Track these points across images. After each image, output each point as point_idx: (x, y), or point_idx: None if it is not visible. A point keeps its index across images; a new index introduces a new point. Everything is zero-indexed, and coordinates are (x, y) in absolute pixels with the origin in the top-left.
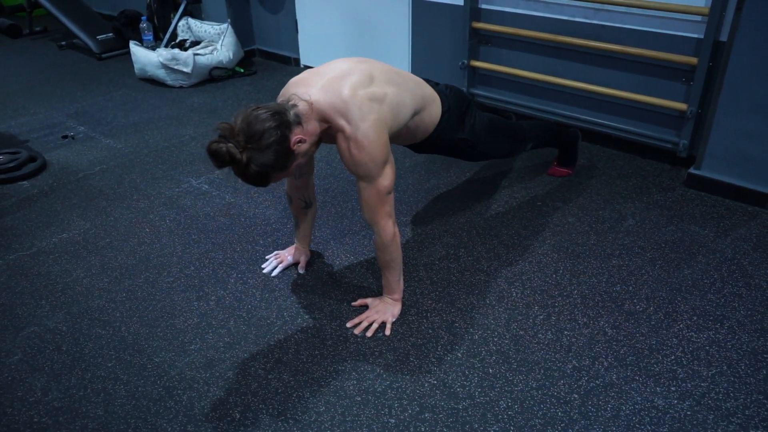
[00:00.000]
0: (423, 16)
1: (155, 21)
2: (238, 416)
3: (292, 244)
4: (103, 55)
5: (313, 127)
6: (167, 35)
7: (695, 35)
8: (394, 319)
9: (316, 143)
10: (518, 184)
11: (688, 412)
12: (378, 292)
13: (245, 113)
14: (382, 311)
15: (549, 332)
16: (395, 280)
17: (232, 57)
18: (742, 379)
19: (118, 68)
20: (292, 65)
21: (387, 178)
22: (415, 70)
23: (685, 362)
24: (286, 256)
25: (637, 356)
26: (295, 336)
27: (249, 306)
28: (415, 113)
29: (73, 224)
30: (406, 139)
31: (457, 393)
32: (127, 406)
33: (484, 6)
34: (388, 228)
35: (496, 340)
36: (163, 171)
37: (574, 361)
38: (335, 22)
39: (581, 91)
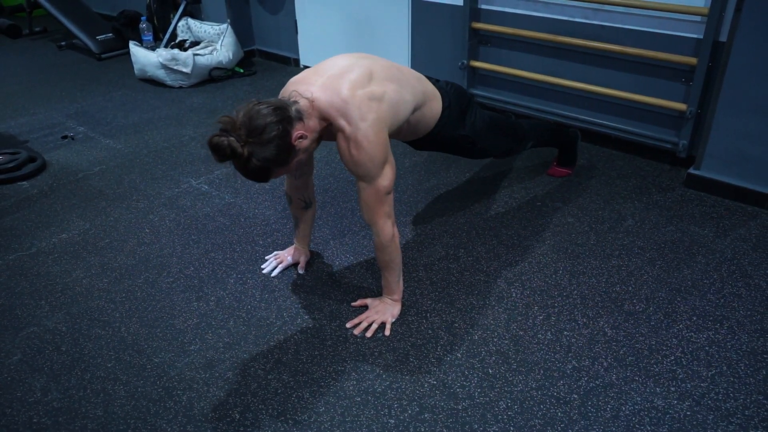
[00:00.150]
0: (423, 16)
1: (155, 21)
2: (237, 417)
3: (292, 244)
4: (103, 56)
5: (314, 123)
6: (167, 35)
7: (695, 35)
8: (393, 320)
9: (317, 140)
10: (518, 184)
11: (688, 413)
12: (378, 293)
13: (247, 108)
14: (382, 311)
15: (548, 332)
16: (395, 280)
17: (231, 57)
18: (741, 379)
19: (118, 68)
20: (292, 65)
21: (386, 178)
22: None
23: (684, 362)
24: (286, 256)
25: (637, 356)
26: (295, 336)
27: (248, 306)
28: (416, 108)
29: (72, 224)
30: (407, 135)
31: (456, 393)
32: (127, 407)
33: (483, 6)
34: (387, 228)
35: (495, 340)
36: (162, 171)
37: (573, 362)
38: (335, 22)
39: (581, 91)
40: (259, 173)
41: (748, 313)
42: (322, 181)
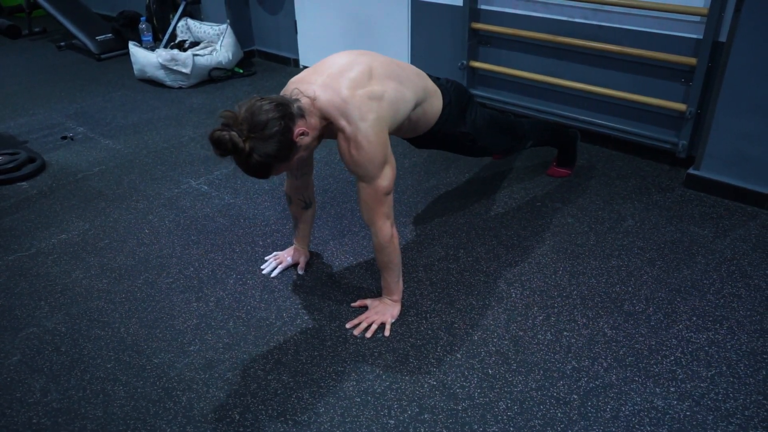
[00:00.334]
0: (422, 16)
1: (154, 22)
2: (237, 417)
3: (291, 245)
4: (103, 56)
5: (315, 121)
6: (166, 36)
7: (694, 36)
8: (393, 320)
9: (318, 138)
10: (517, 184)
11: (688, 413)
12: (377, 293)
13: (249, 103)
14: (382, 312)
15: (548, 333)
16: (394, 281)
17: (231, 58)
18: (741, 379)
19: (118, 69)
20: (292, 66)
21: (386, 179)
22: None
23: (684, 363)
24: (286, 257)
25: (637, 357)
26: (295, 337)
27: (248, 307)
28: (417, 105)
29: (72, 225)
30: (408, 132)
31: (456, 394)
32: (126, 407)
33: (483, 7)
34: (386, 229)
35: (495, 341)
36: (162, 172)
37: (573, 362)
38: (334, 23)
39: (581, 91)
40: (260, 169)
41: (748, 313)
42: (322, 181)
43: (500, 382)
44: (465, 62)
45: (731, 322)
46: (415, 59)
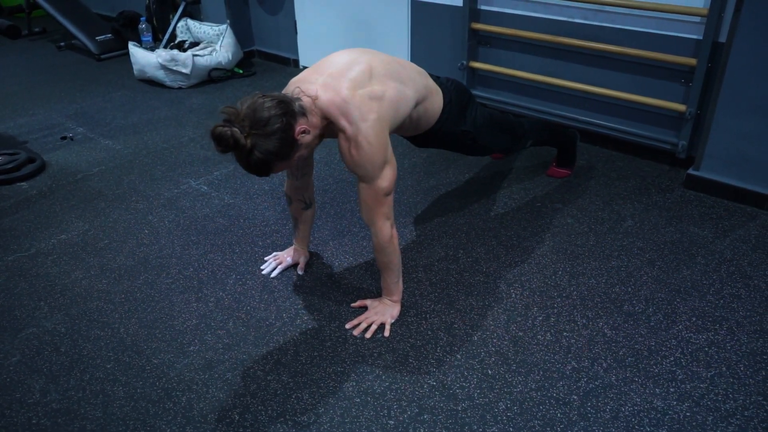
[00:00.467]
0: (422, 17)
1: (154, 22)
2: (237, 418)
3: (291, 245)
4: (102, 56)
5: (316, 120)
6: (166, 36)
7: (694, 36)
8: (393, 321)
9: (319, 137)
10: (517, 185)
11: (687, 414)
12: (377, 294)
13: (251, 100)
14: (381, 312)
15: (548, 333)
16: (394, 281)
17: (231, 58)
18: (741, 380)
19: (117, 69)
20: (291, 66)
21: (386, 179)
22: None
23: (684, 363)
24: (285, 257)
25: (636, 357)
26: (294, 337)
27: (248, 307)
28: (418, 103)
29: (71, 225)
30: (409, 130)
31: (456, 394)
32: (126, 408)
33: (483, 7)
34: (385, 229)
35: (495, 341)
36: (162, 172)
37: (573, 363)
38: (334, 23)
39: (580, 92)
40: (260, 166)
41: (748, 313)
42: (322, 181)
43: (500, 383)
44: (465, 62)
45: (731, 322)
46: (415, 59)
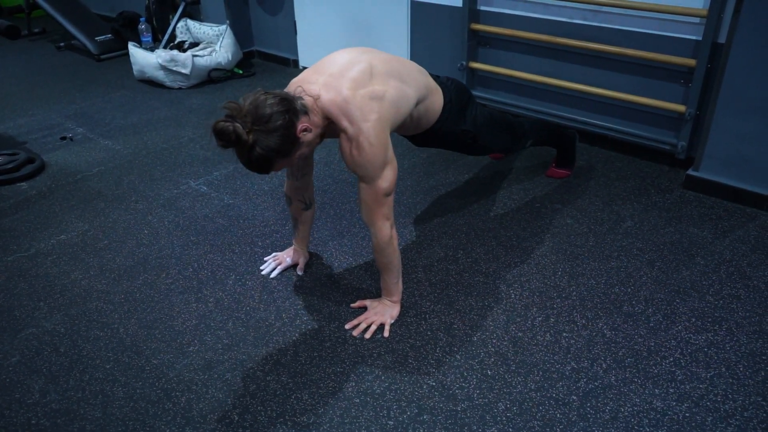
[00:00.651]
0: (422, 17)
1: (154, 22)
2: (236, 418)
3: (291, 245)
4: (102, 57)
5: (317, 120)
6: (166, 36)
7: (693, 37)
8: (392, 321)
9: (320, 136)
10: (517, 185)
11: (687, 414)
12: (376, 294)
13: (254, 96)
14: (381, 313)
15: (547, 334)
16: (393, 282)
17: (230, 58)
18: (740, 380)
19: (117, 69)
20: (291, 67)
21: (386, 180)
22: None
23: (683, 364)
24: (285, 257)
25: (636, 358)
26: (294, 338)
27: (248, 308)
28: (419, 102)
29: (71, 226)
30: (410, 129)
31: (455, 395)
32: (125, 408)
33: (482, 8)
34: (385, 230)
35: (494, 341)
36: (161, 172)
37: (572, 363)
38: (334, 23)
39: (580, 92)
40: (261, 163)
41: (747, 314)
42: (321, 182)
43: (499, 383)
44: (464, 63)
45: (730, 323)
46: (415, 60)
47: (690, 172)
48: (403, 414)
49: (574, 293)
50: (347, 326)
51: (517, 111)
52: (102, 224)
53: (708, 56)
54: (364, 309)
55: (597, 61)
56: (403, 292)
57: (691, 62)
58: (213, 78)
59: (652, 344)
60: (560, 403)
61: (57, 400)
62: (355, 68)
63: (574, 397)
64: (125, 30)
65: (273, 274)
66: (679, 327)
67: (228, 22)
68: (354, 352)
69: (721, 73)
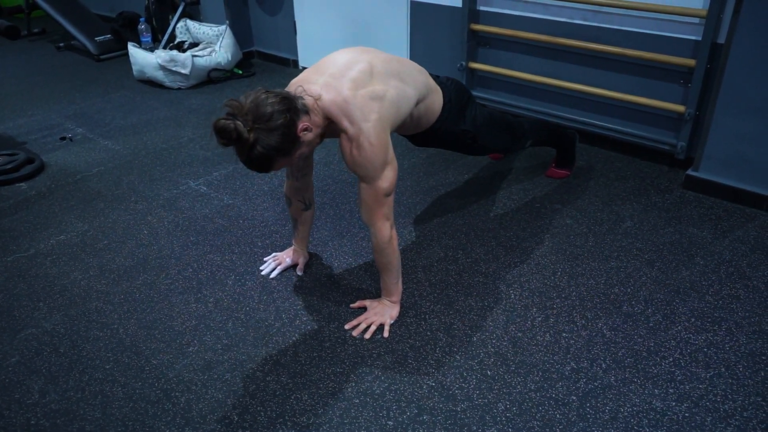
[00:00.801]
0: (421, 17)
1: (153, 22)
2: (236, 418)
3: (290, 245)
4: (102, 57)
5: (318, 119)
6: (165, 37)
7: (693, 37)
8: (392, 321)
9: (321, 136)
10: (516, 185)
11: (686, 414)
12: (376, 294)
13: (255, 95)
14: (381, 313)
15: (547, 334)
16: (393, 282)
17: (230, 59)
18: (740, 381)
19: (117, 70)
20: (291, 67)
21: (386, 180)
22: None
23: (683, 364)
24: (285, 257)
25: (636, 358)
26: (294, 338)
27: (247, 308)
28: (419, 101)
29: (71, 226)
30: (410, 129)
31: (455, 395)
32: (125, 409)
33: (482, 8)
34: (385, 230)
35: (494, 342)
36: (161, 173)
37: (572, 363)
38: (334, 24)
39: (580, 93)
40: (261, 161)
41: (747, 314)
42: (321, 182)
43: (499, 383)
44: (464, 63)
45: (730, 323)
46: (415, 60)
47: (689, 172)
48: (402, 414)
49: (574, 293)
50: (347, 326)
51: (517, 111)
52: (101, 224)
53: (707, 56)
54: (364, 309)
55: (597, 62)
56: (402, 293)
57: (691, 62)
58: (212, 78)
59: (652, 344)
60: (560, 403)
61: (56, 400)
62: (356, 68)
63: (574, 398)
64: (125, 30)
65: (273, 275)
66: (679, 327)
67: (227, 22)
68: (354, 353)
69: (720, 74)
